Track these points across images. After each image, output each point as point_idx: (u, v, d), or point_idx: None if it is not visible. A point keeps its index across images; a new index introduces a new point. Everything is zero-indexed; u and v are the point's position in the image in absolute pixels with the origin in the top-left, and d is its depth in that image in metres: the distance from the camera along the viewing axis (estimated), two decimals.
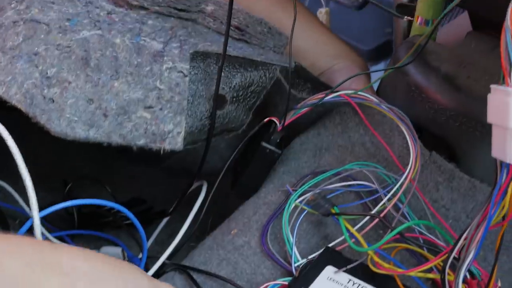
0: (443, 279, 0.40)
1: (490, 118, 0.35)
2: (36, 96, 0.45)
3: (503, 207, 0.36)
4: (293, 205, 0.50)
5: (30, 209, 0.44)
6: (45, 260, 0.33)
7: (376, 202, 0.51)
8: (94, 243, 0.60)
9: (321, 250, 0.47)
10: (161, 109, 0.48)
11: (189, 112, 0.49)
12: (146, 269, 0.52)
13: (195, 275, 0.49)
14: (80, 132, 0.46)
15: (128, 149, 0.48)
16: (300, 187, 0.52)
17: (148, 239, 0.60)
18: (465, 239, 0.38)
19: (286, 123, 0.53)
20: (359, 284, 0.44)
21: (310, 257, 0.48)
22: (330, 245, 0.48)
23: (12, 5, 0.49)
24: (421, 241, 0.48)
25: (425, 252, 0.47)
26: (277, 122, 0.53)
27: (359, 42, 0.94)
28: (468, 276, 0.43)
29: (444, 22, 0.76)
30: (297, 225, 0.49)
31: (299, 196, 0.51)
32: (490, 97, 0.35)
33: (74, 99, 0.46)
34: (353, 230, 0.46)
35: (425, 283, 0.44)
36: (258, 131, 0.55)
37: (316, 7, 0.89)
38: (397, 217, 0.49)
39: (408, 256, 0.49)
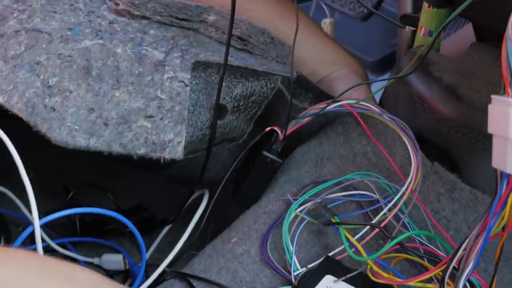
0: None
1: (491, 129, 0.35)
2: (37, 105, 0.46)
3: (502, 218, 0.36)
4: (294, 214, 0.51)
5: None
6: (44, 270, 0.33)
7: (377, 212, 0.51)
8: (96, 250, 0.60)
9: (321, 259, 0.47)
10: (161, 118, 0.48)
11: (190, 121, 0.49)
12: (146, 277, 0.52)
13: (195, 283, 0.49)
14: (80, 141, 0.46)
15: (129, 157, 0.48)
16: (300, 196, 0.52)
17: (149, 247, 0.60)
18: (464, 249, 0.38)
19: (287, 132, 0.53)
20: None
21: (309, 266, 0.48)
22: (330, 254, 0.48)
23: (14, 15, 0.50)
24: (422, 252, 0.47)
25: (425, 263, 0.47)
26: (279, 132, 0.53)
27: (364, 53, 0.93)
28: (468, 287, 0.43)
29: (450, 33, 0.76)
30: (297, 234, 0.49)
31: (299, 206, 0.51)
32: (491, 108, 0.35)
33: (75, 108, 0.47)
34: (353, 239, 0.46)
35: None
36: (259, 140, 0.55)
37: (321, 18, 0.88)
38: (397, 227, 0.49)
39: (408, 266, 0.48)
